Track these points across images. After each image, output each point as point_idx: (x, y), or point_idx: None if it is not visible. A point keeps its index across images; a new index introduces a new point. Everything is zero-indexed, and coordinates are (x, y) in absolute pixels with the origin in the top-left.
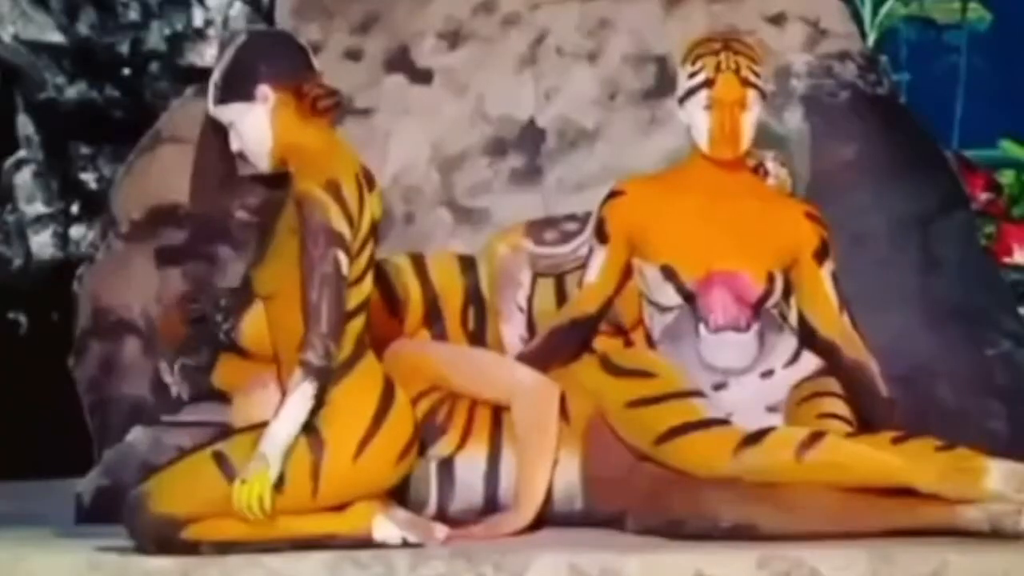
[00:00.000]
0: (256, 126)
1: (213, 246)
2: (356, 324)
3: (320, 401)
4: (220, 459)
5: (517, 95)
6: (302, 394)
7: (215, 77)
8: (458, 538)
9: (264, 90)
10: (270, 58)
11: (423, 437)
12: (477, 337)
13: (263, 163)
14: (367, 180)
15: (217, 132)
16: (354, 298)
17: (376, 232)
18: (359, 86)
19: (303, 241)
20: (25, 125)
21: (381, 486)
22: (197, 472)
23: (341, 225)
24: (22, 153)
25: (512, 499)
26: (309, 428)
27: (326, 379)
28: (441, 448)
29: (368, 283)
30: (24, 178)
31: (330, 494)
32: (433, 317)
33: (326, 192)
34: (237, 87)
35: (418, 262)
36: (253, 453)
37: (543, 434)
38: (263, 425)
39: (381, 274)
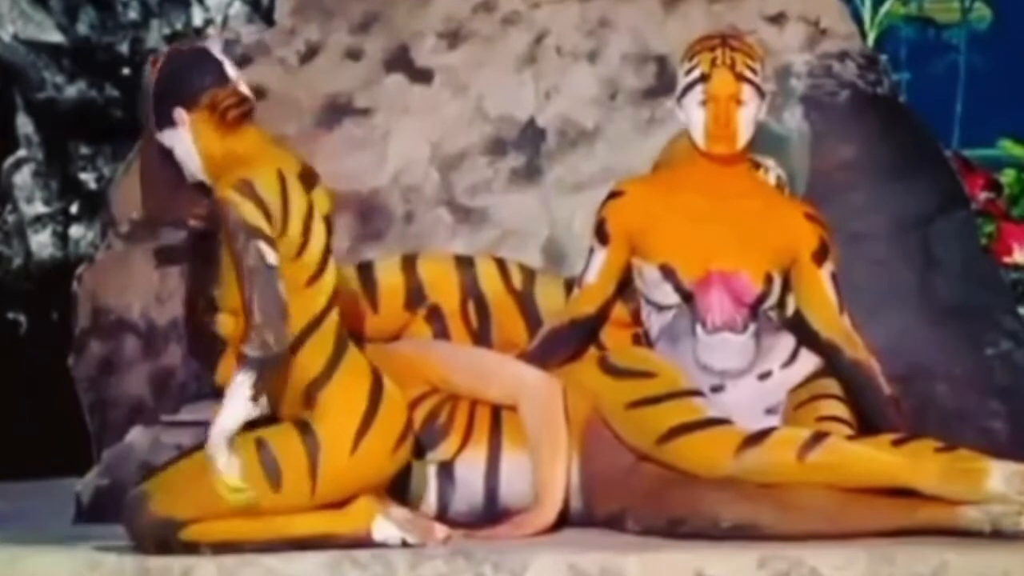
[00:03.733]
0: (184, 148)
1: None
2: (330, 321)
3: (312, 401)
4: None
5: (517, 95)
6: (239, 386)
7: (148, 105)
8: (480, 539)
9: (180, 113)
10: (178, 79)
11: (424, 440)
12: (482, 335)
13: (205, 180)
14: (306, 176)
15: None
16: (318, 296)
17: (330, 226)
18: (359, 86)
19: (228, 243)
20: (25, 125)
21: (379, 478)
22: (196, 473)
23: (257, 219)
24: (22, 153)
25: (531, 499)
26: (304, 427)
27: (267, 369)
28: (442, 452)
29: (328, 280)
30: (24, 178)
31: (329, 491)
32: (421, 307)
33: (236, 191)
34: (161, 113)
35: (407, 258)
36: (253, 454)
37: (554, 431)
38: (263, 424)
39: (368, 276)
